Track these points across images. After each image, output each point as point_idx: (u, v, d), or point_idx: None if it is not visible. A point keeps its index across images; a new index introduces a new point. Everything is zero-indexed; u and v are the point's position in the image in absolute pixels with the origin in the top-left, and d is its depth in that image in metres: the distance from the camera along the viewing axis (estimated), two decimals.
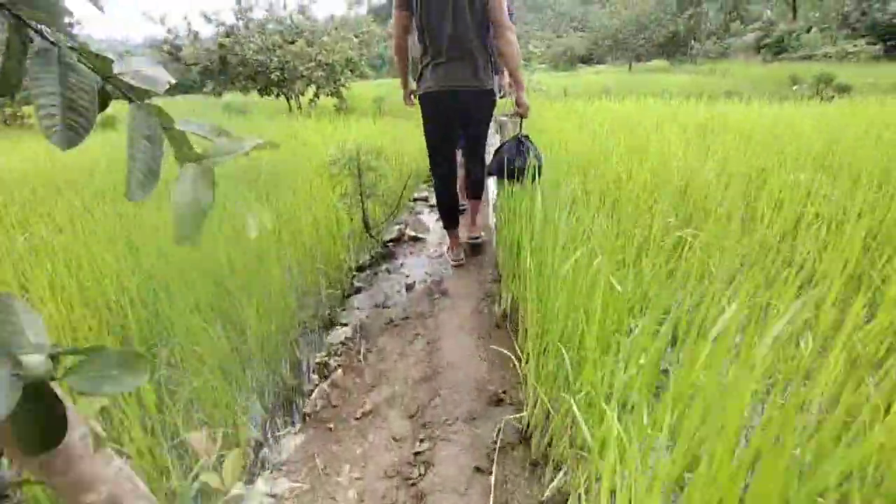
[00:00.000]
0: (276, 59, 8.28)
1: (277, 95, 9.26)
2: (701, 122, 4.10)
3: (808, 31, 24.04)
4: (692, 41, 23.54)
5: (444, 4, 1.83)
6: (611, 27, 23.20)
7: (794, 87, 10.52)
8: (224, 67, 8.63)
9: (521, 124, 2.05)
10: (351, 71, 8.89)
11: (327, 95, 9.09)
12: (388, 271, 2.32)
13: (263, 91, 9.03)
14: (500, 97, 2.81)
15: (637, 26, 22.22)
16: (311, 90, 9.09)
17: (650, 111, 4.92)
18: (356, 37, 8.76)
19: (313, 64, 8.31)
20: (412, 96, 2.20)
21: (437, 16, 1.84)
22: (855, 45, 19.54)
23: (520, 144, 1.99)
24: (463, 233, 2.39)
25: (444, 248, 2.44)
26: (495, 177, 2.09)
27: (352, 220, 2.33)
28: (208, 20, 8.57)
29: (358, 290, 2.18)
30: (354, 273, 2.36)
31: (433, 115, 2.00)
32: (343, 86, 9.08)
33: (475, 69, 1.92)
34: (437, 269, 2.29)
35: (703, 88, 9.18)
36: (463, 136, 2.19)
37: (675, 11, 22.66)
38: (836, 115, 4.23)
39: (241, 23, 8.61)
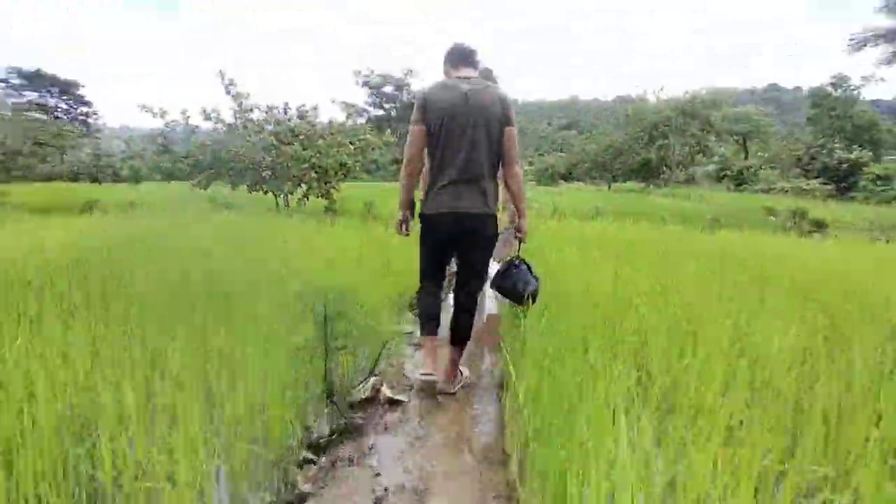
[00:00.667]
0: (269, 158, 8.24)
1: (266, 192, 9.10)
2: (719, 251, 3.78)
3: (761, 168, 26.63)
4: (663, 167, 25.56)
5: (463, 130, 1.81)
6: (590, 152, 25.23)
7: (771, 218, 10.95)
8: (216, 162, 8.53)
9: (519, 247, 2.17)
10: (344, 175, 8.89)
11: (317, 197, 8.96)
12: (351, 461, 1.62)
13: (252, 187, 8.87)
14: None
15: (614, 153, 24.20)
16: (301, 190, 8.97)
17: (657, 237, 4.68)
18: (352, 143, 8.91)
19: (306, 166, 8.27)
20: (406, 226, 2.07)
21: (454, 140, 1.81)
22: (808, 184, 21.49)
23: (511, 266, 2.13)
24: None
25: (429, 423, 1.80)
26: (493, 294, 2.27)
27: (306, 384, 1.68)
28: (207, 117, 8.67)
29: (303, 499, 1.46)
30: (304, 457, 1.65)
31: (434, 237, 1.96)
32: (334, 188, 9.00)
33: (483, 195, 1.90)
34: (422, 462, 1.60)
35: (691, 214, 9.42)
36: (458, 267, 2.07)
37: (646, 142, 24.90)
38: (856, 257, 3.98)
39: (239, 122, 8.73)
